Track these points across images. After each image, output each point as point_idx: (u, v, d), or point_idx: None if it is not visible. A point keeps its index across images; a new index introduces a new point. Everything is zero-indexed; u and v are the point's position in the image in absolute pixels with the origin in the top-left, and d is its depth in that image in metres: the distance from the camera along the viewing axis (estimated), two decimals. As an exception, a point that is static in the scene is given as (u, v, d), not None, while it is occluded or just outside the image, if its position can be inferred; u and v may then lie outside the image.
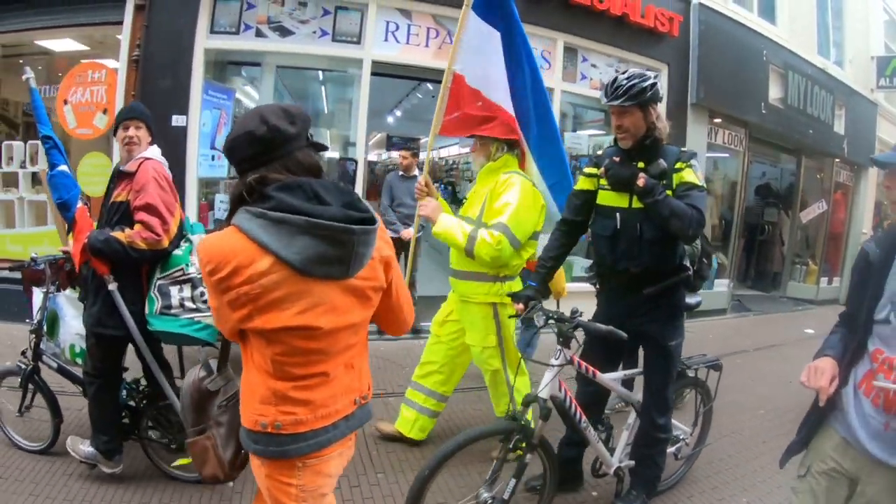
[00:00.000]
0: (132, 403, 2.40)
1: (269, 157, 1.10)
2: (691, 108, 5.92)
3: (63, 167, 2.46)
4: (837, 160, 9.02)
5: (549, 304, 3.40)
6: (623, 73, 2.13)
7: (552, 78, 5.04)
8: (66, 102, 4.61)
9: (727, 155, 7.43)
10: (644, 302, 2.24)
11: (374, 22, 4.37)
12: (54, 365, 2.50)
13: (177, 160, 4.21)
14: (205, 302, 2.17)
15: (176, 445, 2.37)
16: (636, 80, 2.08)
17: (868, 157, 9.24)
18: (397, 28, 4.42)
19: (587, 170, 2.34)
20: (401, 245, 4.09)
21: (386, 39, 4.38)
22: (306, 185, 1.08)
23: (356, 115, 4.52)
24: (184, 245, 2.27)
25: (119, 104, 4.48)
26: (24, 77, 2.56)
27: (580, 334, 2.15)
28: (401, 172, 4.49)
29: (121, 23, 4.40)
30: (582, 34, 5.11)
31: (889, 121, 10.39)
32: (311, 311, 1.08)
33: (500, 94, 2.53)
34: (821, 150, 8.57)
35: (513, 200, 2.39)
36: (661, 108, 5.78)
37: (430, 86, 6.11)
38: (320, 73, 5.33)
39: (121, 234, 2.09)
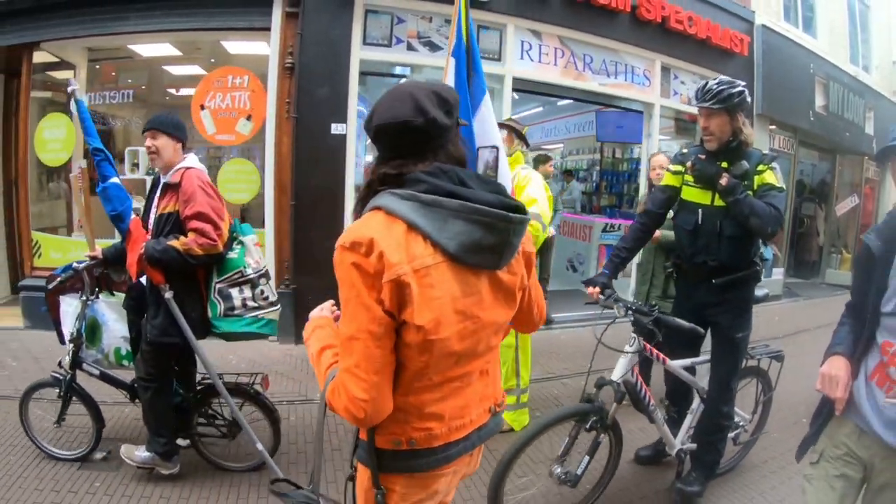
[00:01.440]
0: (182, 403, 2.51)
1: (423, 150, 1.03)
2: (756, 119, 6.86)
3: (115, 179, 2.50)
4: (867, 158, 10.10)
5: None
6: (715, 80, 2.31)
7: (652, 94, 5.94)
8: (202, 107, 4.70)
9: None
10: (716, 294, 2.36)
11: (512, 41, 5.05)
12: (96, 372, 2.54)
13: (336, 168, 4.61)
14: (265, 299, 2.40)
15: (229, 436, 2.56)
16: (725, 86, 2.23)
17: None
18: (531, 47, 5.15)
19: (673, 167, 2.50)
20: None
21: (521, 57, 5.10)
22: (451, 172, 1.01)
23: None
24: (236, 247, 2.38)
25: (271, 110, 4.67)
26: (69, 88, 2.62)
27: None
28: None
29: (267, 29, 4.60)
30: (674, 55, 6.01)
31: (911, 123, 11.51)
32: (462, 301, 1.01)
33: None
34: (854, 150, 9.67)
35: (537, 195, 2.92)
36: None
37: (557, 101, 7.02)
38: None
39: (176, 242, 2.18)
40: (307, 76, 4.55)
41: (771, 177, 2.27)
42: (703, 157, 2.32)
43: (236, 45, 5.30)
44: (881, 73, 10.46)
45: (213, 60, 5.59)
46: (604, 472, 2.41)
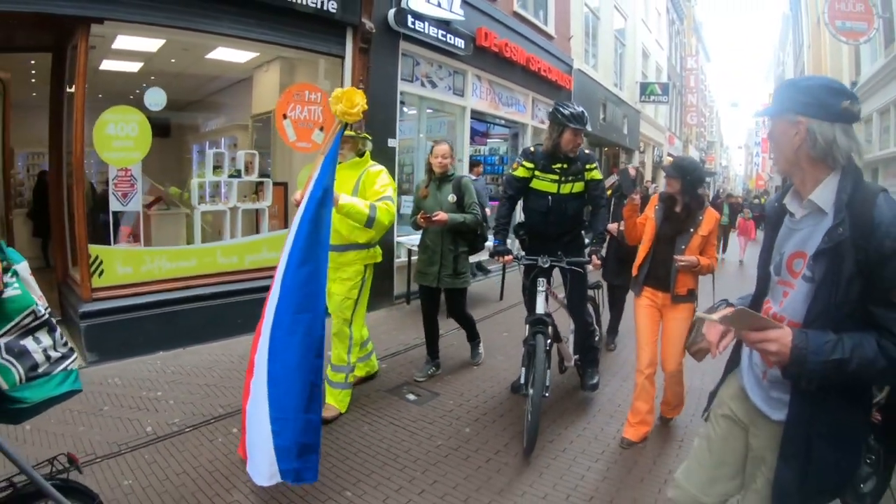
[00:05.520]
0: None
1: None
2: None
3: None
4: (620, 149, 17.29)
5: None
6: (578, 107, 3.69)
7: (527, 118, 11.10)
8: (285, 117, 5.77)
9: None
10: (563, 246, 3.79)
11: (470, 82, 9.13)
12: None
13: (392, 174, 5.05)
14: (65, 344, 1.95)
15: None
16: (586, 112, 3.67)
17: (636, 145, 18.50)
18: (476, 87, 9.40)
19: (525, 163, 3.83)
20: None
21: (473, 95, 9.33)
22: None
23: (462, 142, 9.17)
24: (11, 280, 1.82)
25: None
26: None
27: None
28: (473, 177, 9.74)
29: (340, 56, 6.36)
30: (538, 91, 11.26)
31: (646, 121, 19.73)
32: None
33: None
34: (615, 144, 16.68)
35: (387, 181, 3.63)
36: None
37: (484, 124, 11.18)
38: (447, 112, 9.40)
39: None
40: (373, 100, 5.43)
41: (597, 174, 3.89)
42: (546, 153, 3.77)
43: (225, 54, 6.41)
44: (629, 90, 17.82)
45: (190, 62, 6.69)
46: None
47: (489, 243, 4.30)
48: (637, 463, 3.39)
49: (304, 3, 5.76)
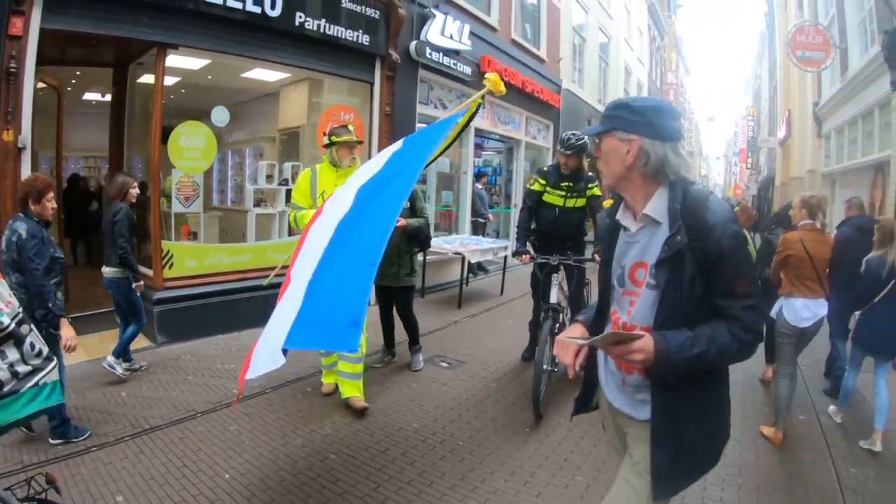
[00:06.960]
0: None
1: None
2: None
3: None
4: (603, 161, 18.86)
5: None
6: (574, 134, 4.67)
7: (521, 134, 12.52)
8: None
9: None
10: (568, 248, 4.90)
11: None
12: None
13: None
14: (38, 355, 1.80)
15: None
16: (581, 139, 4.64)
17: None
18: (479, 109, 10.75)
19: (540, 179, 4.93)
20: None
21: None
22: None
23: (468, 157, 10.71)
24: None
25: (375, 142, 7.51)
26: None
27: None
28: (480, 186, 11.14)
29: (369, 82, 7.71)
30: (531, 110, 12.68)
31: (624, 137, 21.12)
32: None
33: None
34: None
35: None
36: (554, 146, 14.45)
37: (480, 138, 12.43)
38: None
39: None
40: (396, 120, 7.73)
41: (597, 191, 4.91)
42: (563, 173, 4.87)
43: (259, 73, 7.38)
44: (612, 106, 19.30)
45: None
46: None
47: (514, 244, 5.48)
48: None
49: (345, 38, 7.12)
